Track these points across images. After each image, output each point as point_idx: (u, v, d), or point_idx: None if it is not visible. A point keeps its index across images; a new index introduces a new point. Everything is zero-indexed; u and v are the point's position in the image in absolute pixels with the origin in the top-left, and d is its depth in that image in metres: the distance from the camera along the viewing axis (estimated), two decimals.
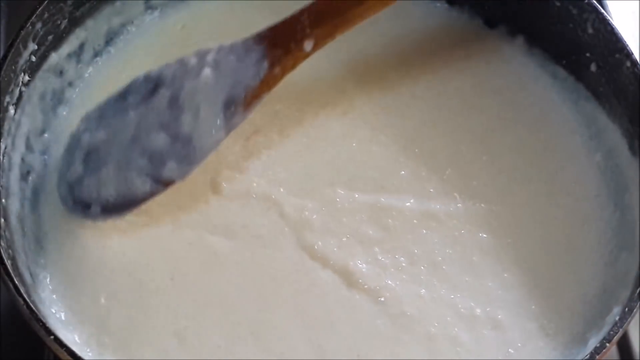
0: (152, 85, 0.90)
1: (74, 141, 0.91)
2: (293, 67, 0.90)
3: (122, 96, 0.91)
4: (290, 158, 0.94)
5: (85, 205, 0.89)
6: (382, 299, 0.86)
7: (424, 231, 0.90)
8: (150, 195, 0.89)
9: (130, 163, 0.88)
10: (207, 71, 0.89)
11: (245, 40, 0.91)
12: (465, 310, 0.86)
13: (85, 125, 0.92)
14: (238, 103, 0.89)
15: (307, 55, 0.90)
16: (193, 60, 0.90)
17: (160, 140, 0.88)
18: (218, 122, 0.88)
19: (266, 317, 0.85)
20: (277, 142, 0.95)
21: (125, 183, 0.88)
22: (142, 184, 0.88)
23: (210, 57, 0.90)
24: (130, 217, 0.90)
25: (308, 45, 0.90)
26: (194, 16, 1.03)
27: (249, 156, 0.94)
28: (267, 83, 0.90)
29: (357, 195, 0.91)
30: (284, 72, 0.90)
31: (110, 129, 0.90)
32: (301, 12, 0.90)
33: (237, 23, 1.02)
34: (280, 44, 0.90)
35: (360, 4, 0.89)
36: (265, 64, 0.89)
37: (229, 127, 0.89)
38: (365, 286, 0.87)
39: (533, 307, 0.87)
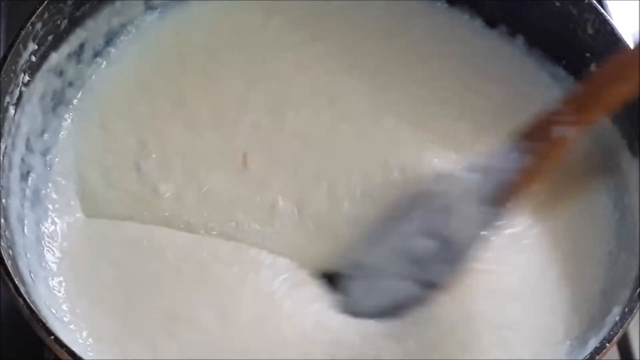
0: (421, 197, 0.90)
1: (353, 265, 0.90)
2: (555, 157, 0.89)
3: (391, 214, 0.90)
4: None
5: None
6: None
7: None
8: (418, 301, 0.87)
9: (398, 270, 0.88)
10: (474, 176, 0.88)
11: (506, 143, 0.90)
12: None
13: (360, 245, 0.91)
14: (498, 201, 0.88)
15: (567, 143, 0.88)
16: (461, 172, 0.89)
17: (428, 245, 0.88)
18: (477, 220, 0.88)
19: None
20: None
21: (394, 291, 0.88)
22: (409, 289, 0.87)
23: (477, 163, 0.89)
24: (151, 226, 0.91)
25: (568, 132, 0.87)
26: (195, 16, 1.03)
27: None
28: (525, 177, 0.88)
29: None
30: (543, 162, 0.88)
31: (381, 244, 0.89)
32: (560, 105, 0.89)
33: (237, 23, 1.02)
34: (540, 139, 0.88)
35: (616, 83, 0.86)
36: (523, 158, 0.88)
37: (491, 223, 0.88)
38: None
39: (532, 307, 0.87)
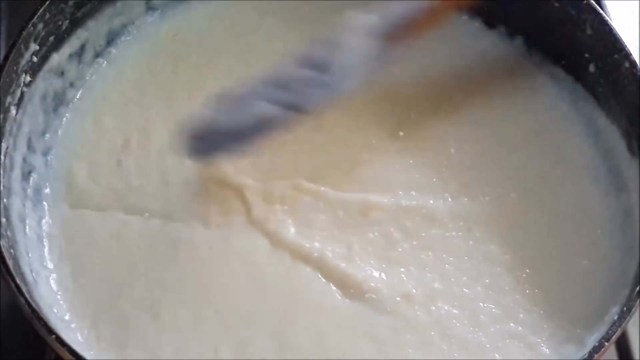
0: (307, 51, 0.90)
1: (221, 98, 0.90)
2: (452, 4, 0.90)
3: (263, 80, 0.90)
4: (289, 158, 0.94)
5: (213, 141, 0.88)
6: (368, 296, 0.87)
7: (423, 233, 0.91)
8: (280, 120, 0.87)
9: (268, 95, 0.87)
10: (369, 16, 0.89)
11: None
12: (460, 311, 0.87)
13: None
14: (393, 36, 0.88)
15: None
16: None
17: (303, 73, 0.87)
18: (371, 51, 0.88)
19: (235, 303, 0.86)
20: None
21: (257, 113, 0.87)
22: (275, 111, 0.87)
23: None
24: (132, 217, 0.91)
25: None
26: (194, 17, 1.03)
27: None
28: (426, 16, 0.89)
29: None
30: (441, 7, 0.90)
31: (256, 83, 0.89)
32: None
33: (232, 24, 1.02)
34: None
35: None
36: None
37: (383, 58, 0.89)
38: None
39: (532, 307, 0.87)
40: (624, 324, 0.80)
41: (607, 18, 0.93)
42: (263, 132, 0.88)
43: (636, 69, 0.90)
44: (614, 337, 0.79)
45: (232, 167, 0.93)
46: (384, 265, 0.88)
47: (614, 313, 0.82)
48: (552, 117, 0.98)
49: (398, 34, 0.88)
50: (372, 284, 0.87)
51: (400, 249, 0.89)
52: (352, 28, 0.88)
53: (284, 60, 0.89)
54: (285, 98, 0.87)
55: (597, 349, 0.78)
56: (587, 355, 0.78)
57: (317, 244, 0.89)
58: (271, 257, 0.89)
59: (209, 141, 0.88)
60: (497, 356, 0.85)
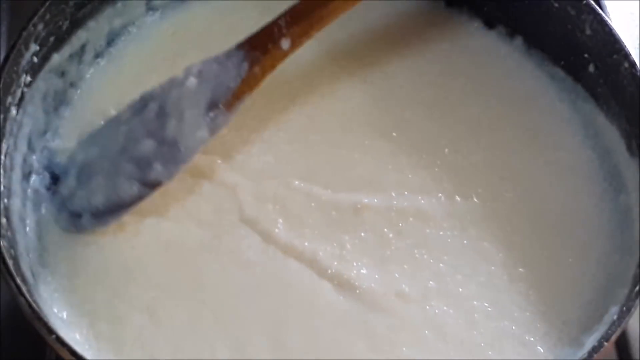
0: (142, 102, 0.93)
1: (69, 162, 0.93)
2: (273, 67, 0.93)
3: (117, 116, 0.94)
4: (263, 152, 0.95)
5: (76, 216, 0.91)
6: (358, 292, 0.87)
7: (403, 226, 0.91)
8: (138, 198, 0.90)
9: (119, 170, 0.90)
10: (191, 80, 0.92)
11: (227, 50, 0.93)
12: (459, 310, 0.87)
13: (79, 146, 0.94)
14: (221, 104, 0.91)
15: (286, 54, 0.93)
16: (180, 75, 0.93)
17: (147, 146, 0.90)
18: (202, 123, 0.91)
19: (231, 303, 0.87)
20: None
21: (114, 189, 0.90)
22: (129, 188, 0.90)
23: (195, 69, 0.92)
24: (128, 217, 0.91)
25: (285, 43, 0.92)
26: (193, 17, 1.04)
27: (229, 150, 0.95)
28: (247, 83, 0.92)
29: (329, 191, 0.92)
30: (263, 72, 0.93)
31: (102, 145, 0.93)
32: (279, 16, 0.93)
33: (237, 23, 1.02)
34: (259, 46, 0.93)
35: (329, 3, 0.92)
36: (245, 66, 0.92)
37: (213, 127, 0.91)
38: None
39: (531, 307, 0.87)
40: (623, 323, 0.80)
41: (606, 18, 0.93)
42: (123, 207, 0.90)
43: (635, 69, 0.90)
44: (613, 337, 0.79)
45: (225, 166, 0.93)
46: (377, 264, 0.88)
47: (613, 313, 0.82)
48: (551, 117, 0.98)
49: (223, 101, 0.92)
50: (366, 282, 0.87)
51: (393, 248, 0.90)
52: (177, 93, 0.92)
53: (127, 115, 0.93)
54: (138, 174, 0.90)
55: (597, 348, 0.79)
56: (586, 355, 0.79)
57: (308, 243, 0.89)
58: (263, 255, 0.89)
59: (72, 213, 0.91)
60: (491, 355, 0.85)
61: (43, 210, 0.92)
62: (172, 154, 0.90)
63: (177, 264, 0.89)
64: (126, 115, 0.93)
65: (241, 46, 0.93)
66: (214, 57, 0.93)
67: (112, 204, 0.90)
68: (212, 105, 0.91)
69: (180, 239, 0.90)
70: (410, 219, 0.91)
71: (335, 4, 0.92)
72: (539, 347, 0.85)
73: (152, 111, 0.92)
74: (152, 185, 0.90)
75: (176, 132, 0.90)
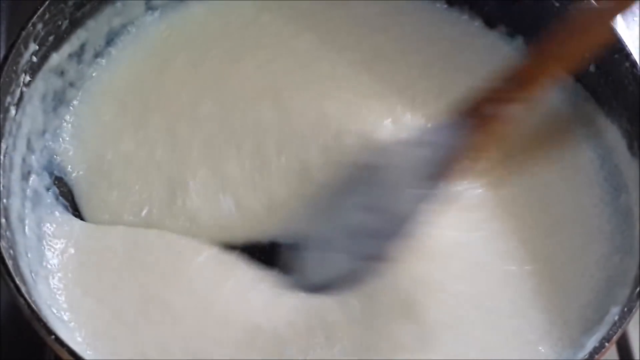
0: (364, 171, 0.90)
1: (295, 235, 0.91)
2: (497, 133, 0.89)
3: (336, 188, 0.91)
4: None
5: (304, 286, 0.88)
6: None
7: None
8: (357, 274, 0.87)
9: (343, 245, 0.88)
10: (414, 149, 0.89)
11: (451, 117, 0.90)
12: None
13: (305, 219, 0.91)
14: (438, 175, 0.88)
15: (509, 116, 0.89)
16: (402, 140, 0.90)
17: (369, 219, 0.88)
18: (423, 194, 0.88)
19: None
20: None
21: (331, 264, 0.88)
22: (346, 263, 0.88)
23: (418, 136, 0.90)
24: (129, 218, 0.91)
25: (510, 108, 0.88)
26: (193, 16, 1.04)
27: None
28: (468, 150, 0.89)
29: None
30: (487, 136, 0.89)
31: (327, 217, 0.90)
32: (501, 81, 0.89)
33: (237, 22, 1.02)
34: (480, 113, 0.88)
35: (562, 55, 0.88)
36: (464, 133, 0.88)
37: (429, 198, 0.88)
38: None
39: (532, 306, 0.87)
40: (624, 324, 0.80)
41: None
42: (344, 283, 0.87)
43: (636, 68, 0.90)
44: (614, 337, 0.79)
45: None
46: None
47: (614, 314, 0.82)
48: (551, 117, 0.98)
49: (445, 170, 0.88)
50: None
51: None
52: (400, 162, 0.88)
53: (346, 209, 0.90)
54: (359, 249, 0.87)
55: (598, 349, 0.78)
56: (587, 355, 0.78)
57: None
58: None
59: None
60: (491, 355, 0.84)
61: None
62: (390, 228, 0.87)
63: (162, 265, 0.89)
64: (349, 186, 0.90)
65: (462, 113, 0.89)
66: (437, 125, 0.90)
67: (338, 280, 0.87)
68: (435, 176, 0.88)
69: (161, 241, 0.90)
70: None
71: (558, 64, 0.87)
72: (539, 347, 0.85)
73: (375, 181, 0.89)
74: (372, 260, 0.87)
75: (395, 205, 0.87)
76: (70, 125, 0.96)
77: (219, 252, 0.90)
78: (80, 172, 0.93)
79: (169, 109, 0.97)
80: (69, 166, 0.95)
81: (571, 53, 0.87)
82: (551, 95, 0.98)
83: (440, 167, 0.88)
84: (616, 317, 0.81)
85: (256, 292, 0.87)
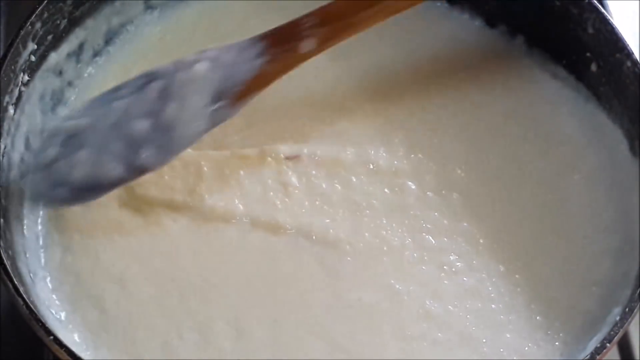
0: (146, 79, 0.89)
1: (55, 127, 0.90)
2: (290, 66, 0.90)
3: (115, 89, 0.90)
4: None
5: (51, 187, 0.87)
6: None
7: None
8: (120, 181, 0.87)
9: (107, 147, 0.86)
10: (202, 64, 0.87)
11: (247, 39, 0.90)
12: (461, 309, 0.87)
13: (71, 114, 0.91)
14: (227, 97, 0.87)
15: (308, 56, 0.90)
16: (191, 57, 0.89)
17: (141, 126, 0.86)
18: (203, 113, 0.87)
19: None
20: None
21: (97, 166, 0.86)
22: (114, 169, 0.86)
23: (209, 53, 0.88)
24: (128, 216, 0.90)
25: (309, 45, 0.89)
26: (194, 15, 1.03)
27: None
28: (260, 79, 0.88)
29: None
30: (279, 70, 0.89)
31: (95, 117, 0.88)
32: (308, 14, 0.89)
33: (236, 23, 1.02)
34: (280, 42, 0.89)
35: (368, 9, 0.89)
36: (261, 60, 0.88)
37: (214, 120, 0.88)
38: None
39: (532, 307, 0.87)
40: (625, 324, 0.80)
41: (609, 17, 0.93)
42: (102, 188, 0.87)
43: (638, 68, 0.90)
44: (616, 337, 0.79)
45: None
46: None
47: (615, 314, 0.82)
48: (552, 117, 0.97)
49: (232, 94, 0.87)
50: None
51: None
52: (186, 76, 0.87)
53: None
54: (125, 155, 0.86)
55: (599, 349, 0.78)
56: (589, 356, 0.78)
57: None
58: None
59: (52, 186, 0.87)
60: (492, 355, 0.84)
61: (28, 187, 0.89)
62: (166, 141, 0.86)
63: (177, 263, 0.88)
64: (125, 91, 0.88)
65: (261, 38, 0.89)
66: (229, 45, 0.89)
67: (92, 182, 0.86)
68: (218, 97, 0.87)
69: (166, 229, 0.90)
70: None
71: (371, 12, 0.88)
72: (540, 348, 0.85)
73: (154, 90, 0.87)
74: (137, 171, 0.87)
75: (174, 118, 0.86)
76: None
77: None
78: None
79: None
80: None
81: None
82: (552, 95, 0.98)
83: (229, 88, 0.87)
84: (617, 318, 0.81)
85: None
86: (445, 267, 0.88)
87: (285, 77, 0.91)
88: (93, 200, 0.88)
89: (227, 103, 0.88)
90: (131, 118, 0.87)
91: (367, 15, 0.89)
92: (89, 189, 0.87)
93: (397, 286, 0.87)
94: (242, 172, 0.92)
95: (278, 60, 0.89)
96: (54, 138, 0.88)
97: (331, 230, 0.89)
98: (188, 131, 0.87)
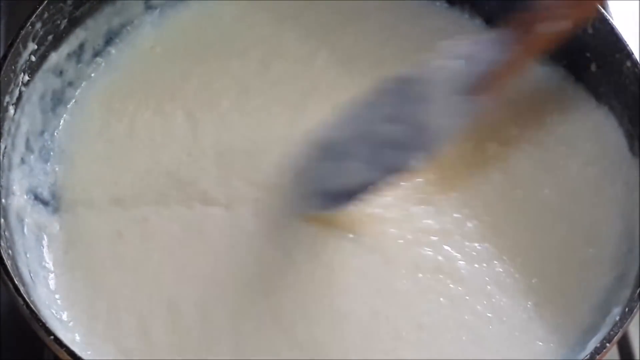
0: (401, 84, 0.88)
1: (319, 140, 0.89)
2: (538, 51, 0.88)
3: (367, 99, 0.89)
4: None
5: (307, 195, 0.88)
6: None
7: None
8: (374, 187, 0.86)
9: (370, 156, 0.86)
10: (459, 62, 0.86)
11: (495, 34, 0.89)
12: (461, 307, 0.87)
13: (329, 127, 0.90)
14: (479, 88, 0.86)
15: (559, 36, 0.87)
16: (442, 56, 0.87)
17: (396, 130, 0.86)
18: (459, 109, 0.86)
19: None
20: None
21: (355, 174, 0.86)
22: (369, 173, 0.86)
23: (462, 50, 0.87)
24: (128, 216, 0.91)
25: (560, 24, 0.86)
26: (194, 15, 1.03)
27: None
28: (509, 66, 0.87)
29: None
30: (524, 57, 0.87)
31: (352, 127, 0.88)
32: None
33: (238, 23, 1.02)
34: (525, 25, 0.86)
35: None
36: (509, 46, 0.86)
37: (469, 113, 0.86)
38: None
39: (532, 306, 0.87)
40: (625, 324, 0.80)
41: (608, 17, 0.93)
42: (357, 194, 0.87)
43: (638, 68, 0.90)
44: (615, 337, 0.79)
45: None
46: None
47: (615, 314, 0.82)
48: (551, 117, 0.97)
49: (483, 85, 0.86)
50: None
51: None
52: (439, 76, 0.86)
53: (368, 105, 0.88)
54: (380, 160, 0.86)
55: (599, 349, 0.78)
56: (588, 356, 0.78)
57: None
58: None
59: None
60: (492, 354, 0.84)
61: None
62: (420, 140, 0.85)
63: (177, 263, 0.89)
64: (379, 98, 0.87)
65: (507, 26, 0.87)
66: (477, 39, 0.88)
67: (347, 189, 0.86)
68: (473, 90, 0.86)
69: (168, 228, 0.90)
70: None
71: None
72: (540, 347, 0.85)
73: (409, 94, 0.86)
74: (391, 172, 0.86)
75: (430, 118, 0.85)
76: (69, 125, 0.96)
77: None
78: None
79: (169, 108, 0.97)
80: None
81: None
82: (551, 95, 0.98)
83: (477, 81, 0.86)
84: (617, 318, 0.81)
85: None
86: (440, 275, 0.89)
87: None
88: (343, 207, 0.88)
89: (480, 94, 0.86)
90: (386, 123, 0.86)
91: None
92: (341, 197, 0.87)
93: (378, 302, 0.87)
94: None
95: (525, 42, 0.86)
96: (317, 151, 0.88)
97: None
98: (443, 129, 0.86)
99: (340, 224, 0.89)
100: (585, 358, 0.78)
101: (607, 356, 0.79)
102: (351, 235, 0.89)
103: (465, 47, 0.87)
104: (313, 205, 0.88)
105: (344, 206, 0.88)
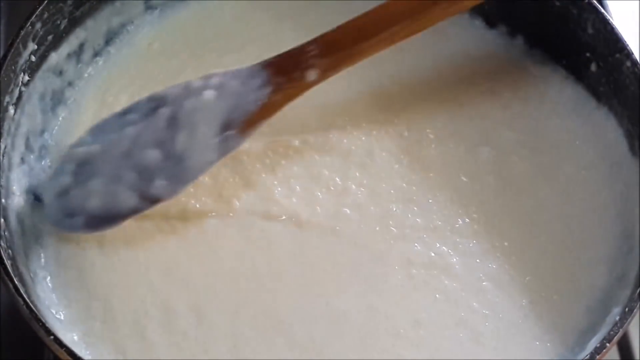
0: (154, 104, 0.90)
1: (68, 154, 0.91)
2: (295, 96, 0.90)
3: (123, 113, 0.91)
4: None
5: (68, 215, 0.88)
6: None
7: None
8: (134, 211, 0.88)
9: (120, 177, 0.87)
10: (209, 92, 0.88)
11: (251, 67, 0.90)
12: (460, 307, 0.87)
13: (81, 139, 0.91)
14: (235, 126, 0.88)
15: (311, 85, 0.90)
16: (197, 83, 0.89)
17: (152, 156, 0.87)
18: (213, 143, 0.88)
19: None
20: None
21: (111, 196, 0.87)
22: (128, 199, 0.87)
23: (214, 80, 0.89)
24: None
25: (312, 75, 0.89)
26: (194, 15, 1.03)
27: None
28: (266, 109, 0.89)
29: None
30: (284, 100, 0.90)
31: (106, 144, 0.89)
32: (310, 42, 0.90)
33: (237, 22, 1.02)
34: (284, 72, 0.89)
35: (369, 39, 0.89)
36: (267, 91, 0.89)
37: (223, 150, 0.88)
38: None
39: (532, 306, 0.87)
40: (625, 324, 0.80)
41: (608, 17, 0.93)
42: (118, 217, 0.88)
43: (638, 68, 0.90)
44: (615, 337, 0.79)
45: None
46: None
47: (615, 314, 0.82)
48: (551, 117, 0.97)
49: (237, 123, 0.88)
50: None
51: None
52: (191, 103, 0.88)
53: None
54: (139, 186, 0.87)
55: (599, 349, 0.78)
56: (588, 356, 0.78)
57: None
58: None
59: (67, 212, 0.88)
60: (493, 354, 0.84)
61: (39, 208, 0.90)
62: (178, 171, 0.87)
63: (177, 263, 0.89)
64: (134, 116, 0.90)
65: (265, 67, 0.89)
66: (234, 71, 0.90)
67: (108, 212, 0.87)
68: (227, 126, 0.88)
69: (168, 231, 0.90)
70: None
71: (376, 40, 0.89)
72: (540, 347, 0.85)
73: (163, 118, 0.88)
74: (151, 201, 0.87)
75: (185, 148, 0.87)
76: (68, 125, 0.96)
77: None
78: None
79: None
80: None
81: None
82: (551, 96, 0.98)
83: (236, 118, 0.88)
84: (617, 318, 0.81)
85: None
86: (434, 271, 0.89)
87: None
88: (109, 229, 0.88)
89: (236, 132, 0.88)
90: (142, 147, 0.88)
91: (369, 45, 0.90)
92: (104, 218, 0.88)
93: (376, 300, 0.87)
94: None
95: (283, 90, 0.89)
96: (67, 165, 0.89)
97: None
98: (198, 161, 0.88)
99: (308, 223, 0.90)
100: (585, 358, 0.78)
101: (607, 356, 0.79)
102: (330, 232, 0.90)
103: (220, 78, 0.89)
104: (76, 226, 0.88)
105: (105, 228, 0.88)
